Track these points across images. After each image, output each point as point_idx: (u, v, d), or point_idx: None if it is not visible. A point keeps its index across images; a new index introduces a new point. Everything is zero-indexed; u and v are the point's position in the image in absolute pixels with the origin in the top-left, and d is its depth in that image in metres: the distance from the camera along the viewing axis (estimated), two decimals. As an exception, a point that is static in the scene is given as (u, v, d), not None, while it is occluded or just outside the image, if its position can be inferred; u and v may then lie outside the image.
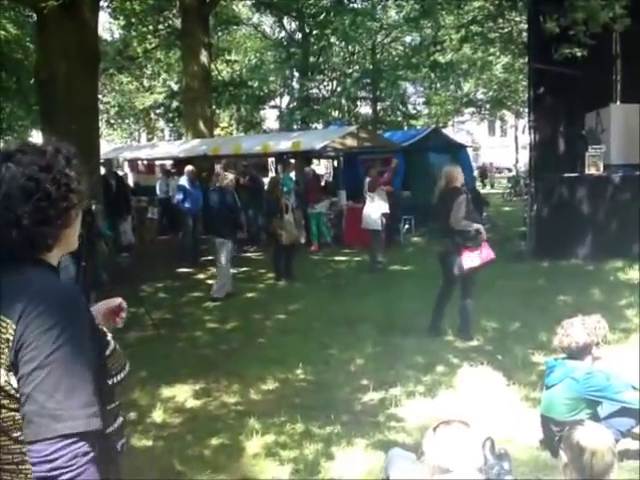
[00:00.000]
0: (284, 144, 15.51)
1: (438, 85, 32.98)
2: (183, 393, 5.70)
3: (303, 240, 12.64)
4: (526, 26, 13.66)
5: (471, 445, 2.62)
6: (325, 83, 32.24)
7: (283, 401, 5.40)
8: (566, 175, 11.59)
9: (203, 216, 12.65)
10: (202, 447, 4.65)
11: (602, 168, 11.27)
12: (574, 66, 10.59)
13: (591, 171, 11.28)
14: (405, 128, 29.61)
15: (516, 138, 46.37)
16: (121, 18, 23.42)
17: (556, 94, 11.90)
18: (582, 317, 4.30)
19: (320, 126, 27.94)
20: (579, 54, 9.88)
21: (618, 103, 13.60)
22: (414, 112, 34.89)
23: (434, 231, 14.56)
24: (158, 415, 5.23)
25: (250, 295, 9.87)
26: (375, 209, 11.34)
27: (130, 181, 19.07)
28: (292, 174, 14.63)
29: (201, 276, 11.49)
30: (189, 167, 13.12)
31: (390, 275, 11.00)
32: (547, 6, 10.46)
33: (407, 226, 15.50)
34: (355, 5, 27.04)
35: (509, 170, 44.27)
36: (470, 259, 6.69)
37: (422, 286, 9.48)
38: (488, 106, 38.90)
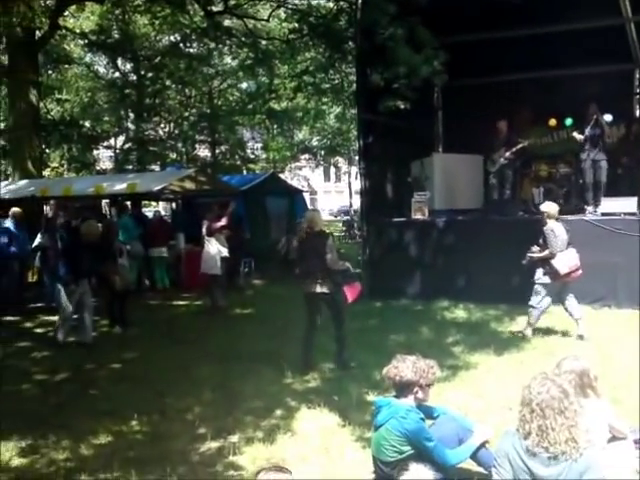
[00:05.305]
0: (119, 186, 15.05)
1: (274, 131, 33.64)
2: (7, 451, 5.29)
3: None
4: (355, 78, 14.34)
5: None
6: (162, 125, 31.83)
7: (116, 455, 5.14)
8: (395, 219, 12.20)
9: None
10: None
11: (427, 213, 11.96)
12: (399, 117, 11.27)
13: (417, 216, 11.94)
14: (244, 172, 29.88)
15: (350, 184, 47.97)
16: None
17: (383, 143, 12.56)
18: (417, 357, 4.26)
19: (157, 168, 27.51)
20: (402, 106, 10.50)
21: (440, 152, 14.65)
22: (252, 157, 35.26)
23: (274, 273, 14.84)
24: (-23, 477, 4.83)
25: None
26: (214, 253, 11.30)
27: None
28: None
29: (28, 324, 10.76)
30: (15, 209, 12.40)
31: (231, 319, 10.92)
32: (373, 59, 11.08)
33: (247, 269, 15.53)
34: (191, 50, 27.25)
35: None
36: (351, 293, 7.36)
37: (262, 329, 9.58)
38: (323, 153, 40.20)
